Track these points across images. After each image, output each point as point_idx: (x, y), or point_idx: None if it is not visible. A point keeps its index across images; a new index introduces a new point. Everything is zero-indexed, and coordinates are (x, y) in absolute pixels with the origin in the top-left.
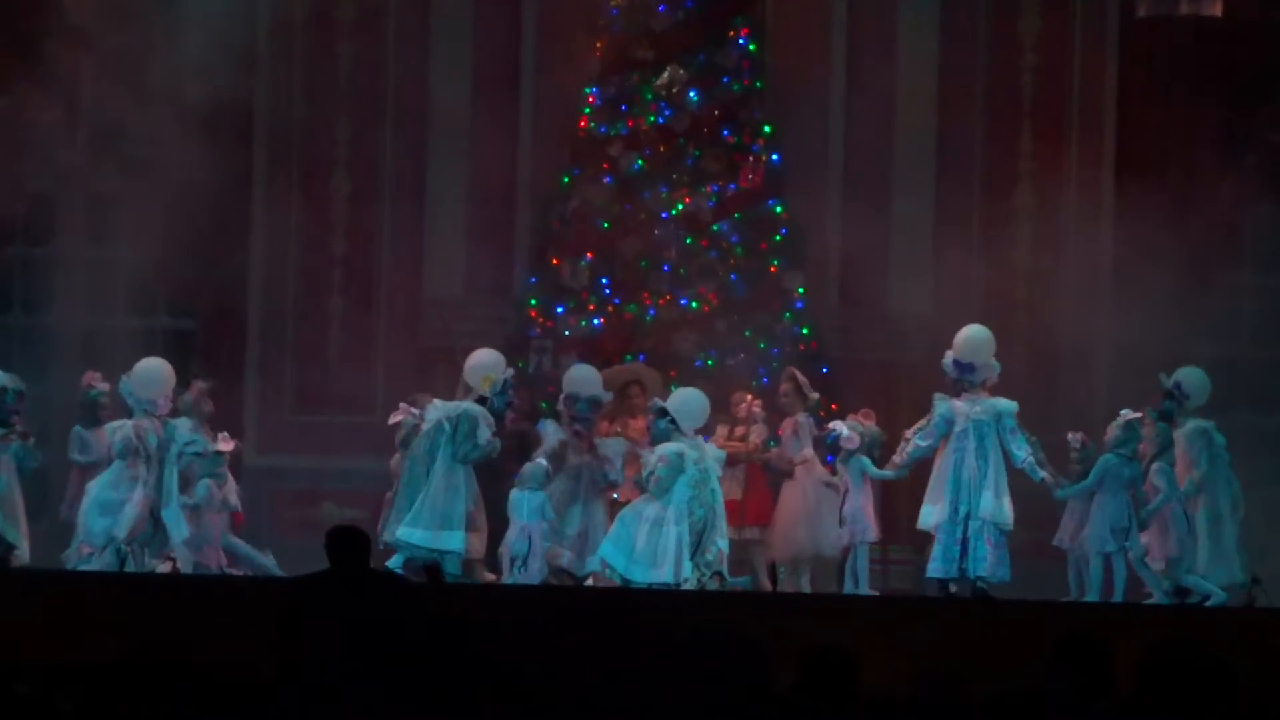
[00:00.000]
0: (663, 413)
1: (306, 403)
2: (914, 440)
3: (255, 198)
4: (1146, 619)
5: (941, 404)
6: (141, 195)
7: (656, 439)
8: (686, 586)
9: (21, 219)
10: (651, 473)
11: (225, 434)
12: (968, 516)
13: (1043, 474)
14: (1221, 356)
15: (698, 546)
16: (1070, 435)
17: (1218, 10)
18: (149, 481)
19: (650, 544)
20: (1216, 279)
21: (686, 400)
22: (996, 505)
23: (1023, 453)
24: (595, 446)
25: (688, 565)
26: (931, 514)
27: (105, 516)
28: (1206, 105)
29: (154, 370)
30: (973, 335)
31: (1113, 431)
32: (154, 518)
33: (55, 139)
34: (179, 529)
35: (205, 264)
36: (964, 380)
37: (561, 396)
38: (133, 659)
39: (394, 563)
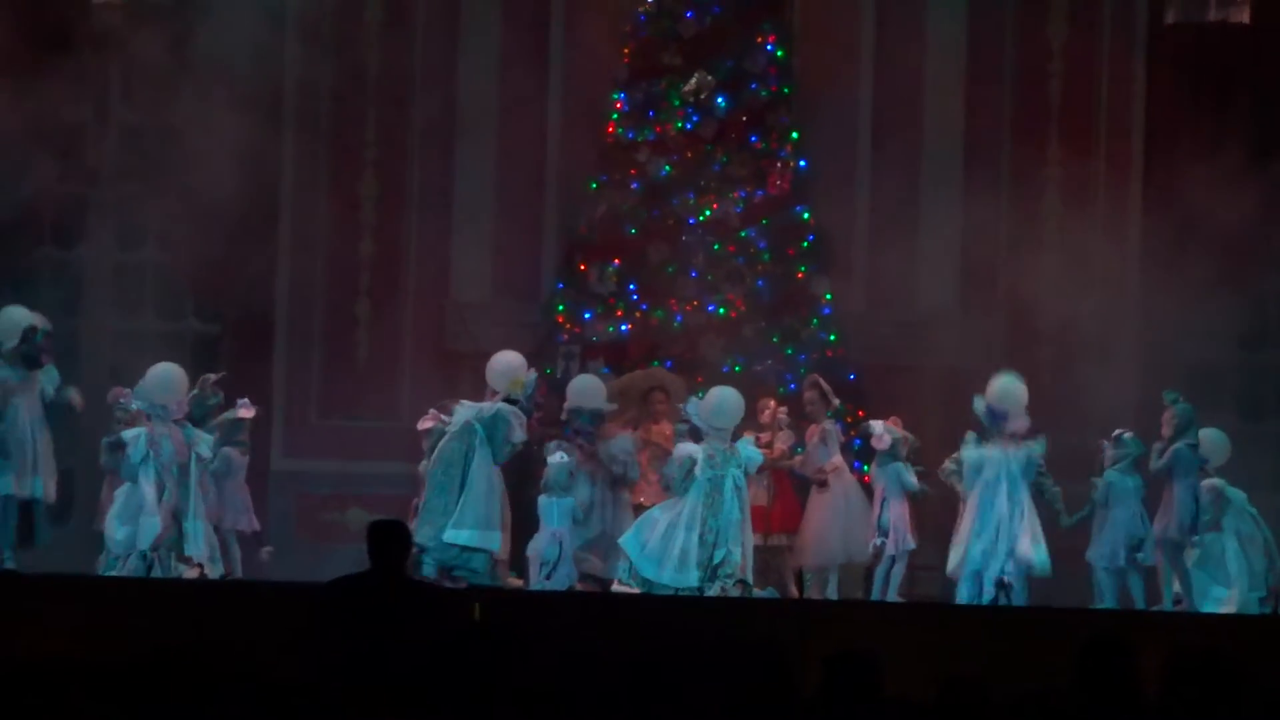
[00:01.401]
0: (687, 419)
1: (333, 407)
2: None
3: (282, 201)
4: (1170, 625)
5: (971, 453)
6: (169, 199)
7: (677, 438)
8: (685, 593)
9: (50, 222)
10: (665, 470)
11: (246, 400)
12: (987, 565)
13: (1066, 518)
14: (1249, 362)
15: (710, 558)
16: (1105, 442)
17: (1245, 17)
18: (170, 489)
19: (661, 545)
20: (1244, 284)
21: (712, 399)
22: (1037, 550)
23: (1056, 495)
24: (596, 454)
25: (694, 574)
26: (957, 557)
27: (127, 525)
28: (1234, 111)
29: (166, 375)
30: (1008, 384)
31: (1109, 450)
32: (179, 523)
33: (84, 142)
34: (197, 543)
35: (233, 268)
36: (995, 427)
37: (565, 408)
38: (152, 664)
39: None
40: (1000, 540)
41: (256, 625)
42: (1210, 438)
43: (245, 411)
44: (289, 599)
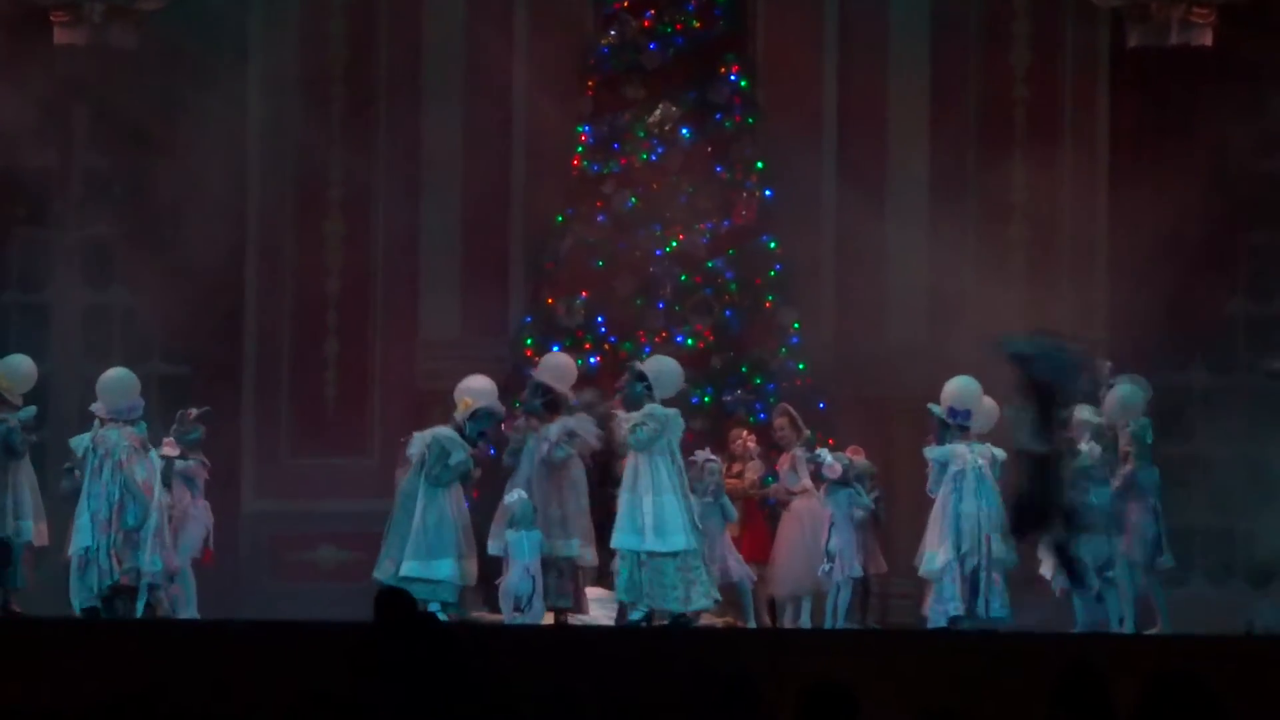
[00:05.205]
0: (640, 376)
1: (303, 446)
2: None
3: (249, 241)
4: (1145, 651)
5: (935, 450)
6: (136, 240)
7: (631, 403)
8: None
9: (16, 264)
10: (640, 424)
11: (170, 439)
12: (966, 556)
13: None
14: (1216, 386)
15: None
16: None
17: (1208, 40)
18: (107, 480)
19: (657, 514)
20: (1211, 308)
21: (664, 367)
22: (1007, 547)
23: None
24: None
25: (696, 535)
26: (936, 558)
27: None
28: (1198, 135)
29: (120, 380)
30: (966, 384)
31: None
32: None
33: (50, 185)
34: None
35: (200, 309)
36: (962, 426)
37: (529, 380)
38: (117, 708)
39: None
40: (978, 537)
41: (230, 665)
42: (1123, 395)
43: (169, 449)
44: (261, 638)
